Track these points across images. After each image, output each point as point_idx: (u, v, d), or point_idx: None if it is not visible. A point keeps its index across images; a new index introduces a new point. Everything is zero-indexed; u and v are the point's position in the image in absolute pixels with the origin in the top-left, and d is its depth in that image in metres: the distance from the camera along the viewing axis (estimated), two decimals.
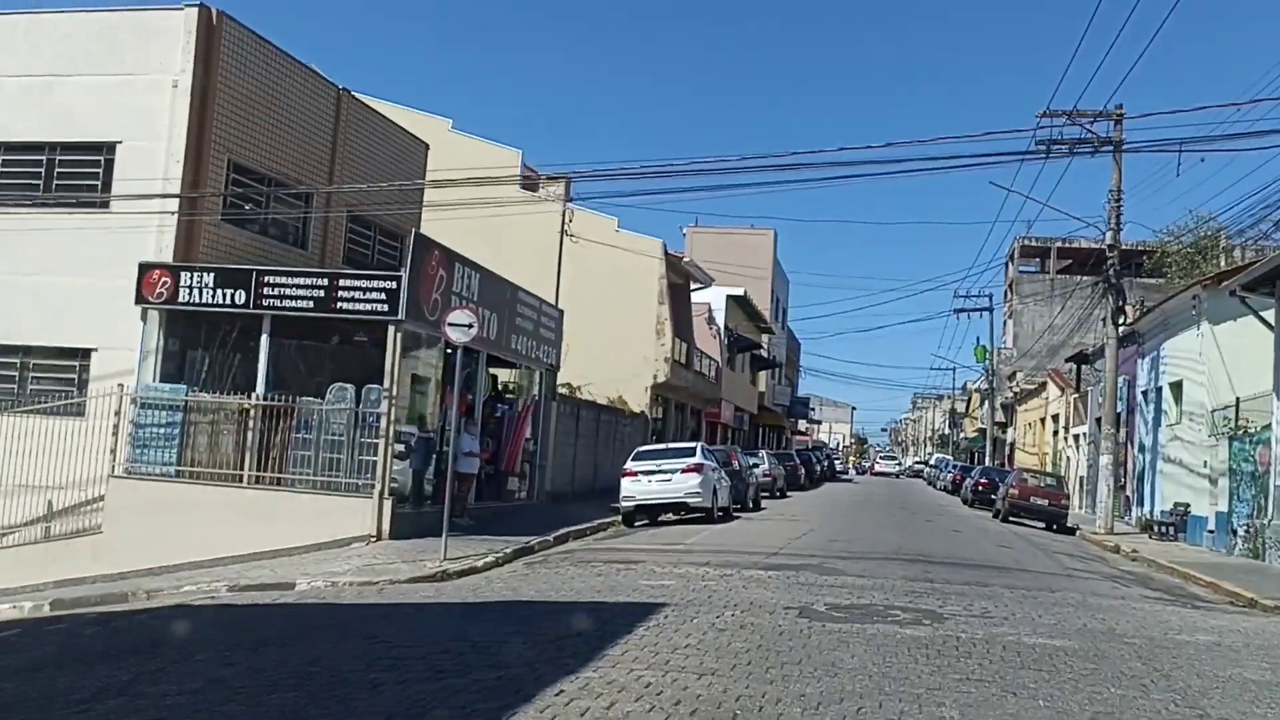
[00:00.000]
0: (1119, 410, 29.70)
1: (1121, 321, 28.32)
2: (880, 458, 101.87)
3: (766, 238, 56.05)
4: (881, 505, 33.45)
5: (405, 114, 31.29)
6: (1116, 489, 28.34)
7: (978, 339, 62.32)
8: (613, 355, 32.18)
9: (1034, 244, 66.12)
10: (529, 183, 34.49)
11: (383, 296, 15.65)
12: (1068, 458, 42.88)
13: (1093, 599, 12.69)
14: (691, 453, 21.58)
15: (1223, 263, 32.63)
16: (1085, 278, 63.02)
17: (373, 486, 15.47)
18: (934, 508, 33.78)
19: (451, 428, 15.81)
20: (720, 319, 41.89)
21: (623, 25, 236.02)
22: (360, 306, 15.71)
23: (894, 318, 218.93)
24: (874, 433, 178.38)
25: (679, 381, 34.19)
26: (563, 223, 27.36)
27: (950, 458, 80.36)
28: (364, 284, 15.78)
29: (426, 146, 23.70)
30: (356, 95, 21.25)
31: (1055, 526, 28.69)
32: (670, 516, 21.77)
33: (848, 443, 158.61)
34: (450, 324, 14.48)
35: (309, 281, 15.84)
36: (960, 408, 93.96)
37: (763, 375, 55.00)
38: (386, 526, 15.41)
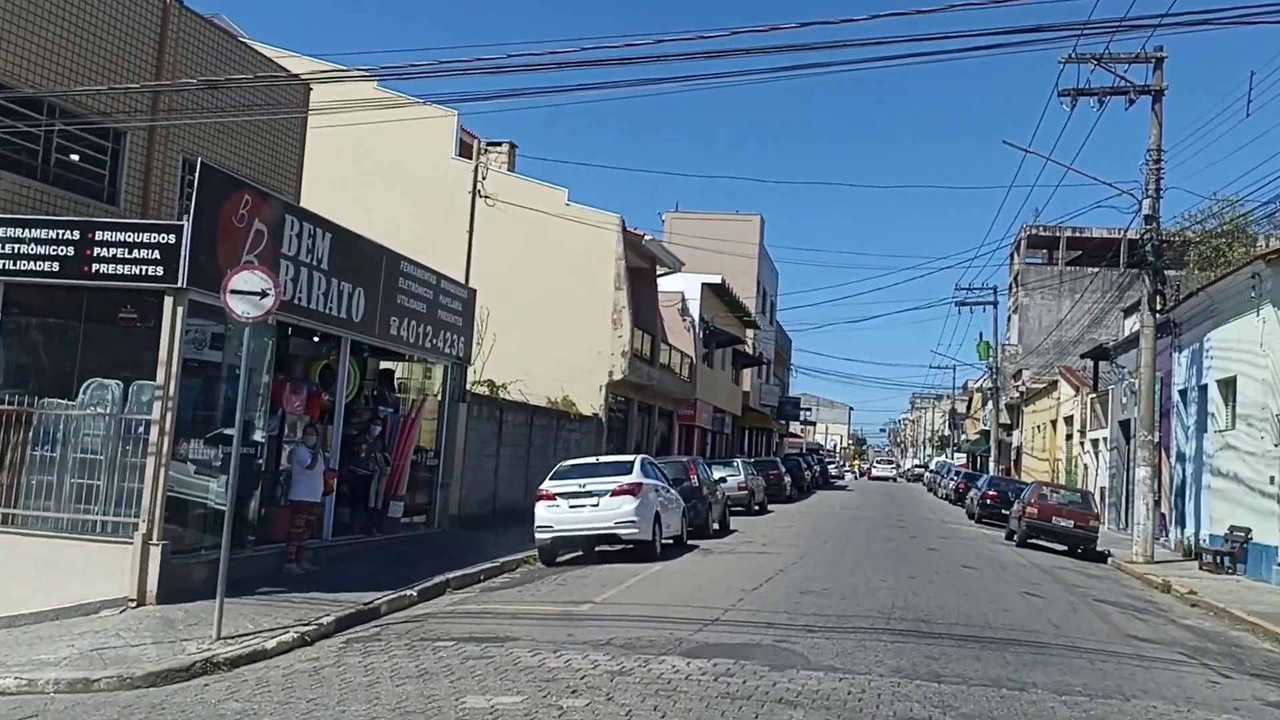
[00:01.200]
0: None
1: (1161, 307, 23.64)
2: (877, 461, 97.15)
3: (752, 223, 51.41)
4: (876, 523, 28.78)
5: (315, 66, 26.67)
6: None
7: (980, 334, 57.83)
8: (560, 349, 27.57)
9: (1041, 233, 61.54)
10: (466, 149, 29.85)
11: (156, 255, 10.97)
12: (1084, 465, 38.24)
13: (1197, 717, 8.05)
14: (626, 468, 16.89)
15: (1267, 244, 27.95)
16: (1096, 269, 58.69)
17: (136, 526, 10.79)
18: (937, 527, 29.09)
19: (231, 433, 11.13)
20: (695, 310, 37.25)
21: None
22: (125, 269, 11.03)
23: (889, 306, 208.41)
24: (872, 433, 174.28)
25: (640, 379, 29.53)
26: (475, 182, 22.59)
27: (951, 462, 75.81)
28: (130, 237, 11.09)
29: (307, 87, 19.01)
30: (197, 12, 16.57)
31: (1081, 550, 24.06)
32: (613, 547, 17.09)
33: (845, 444, 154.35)
34: (232, 290, 9.83)
35: (52, 234, 11.15)
36: (961, 408, 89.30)
37: (747, 373, 50.34)
38: (154, 584, 10.73)
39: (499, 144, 29.55)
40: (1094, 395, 37.57)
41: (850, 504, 39.89)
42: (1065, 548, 24.39)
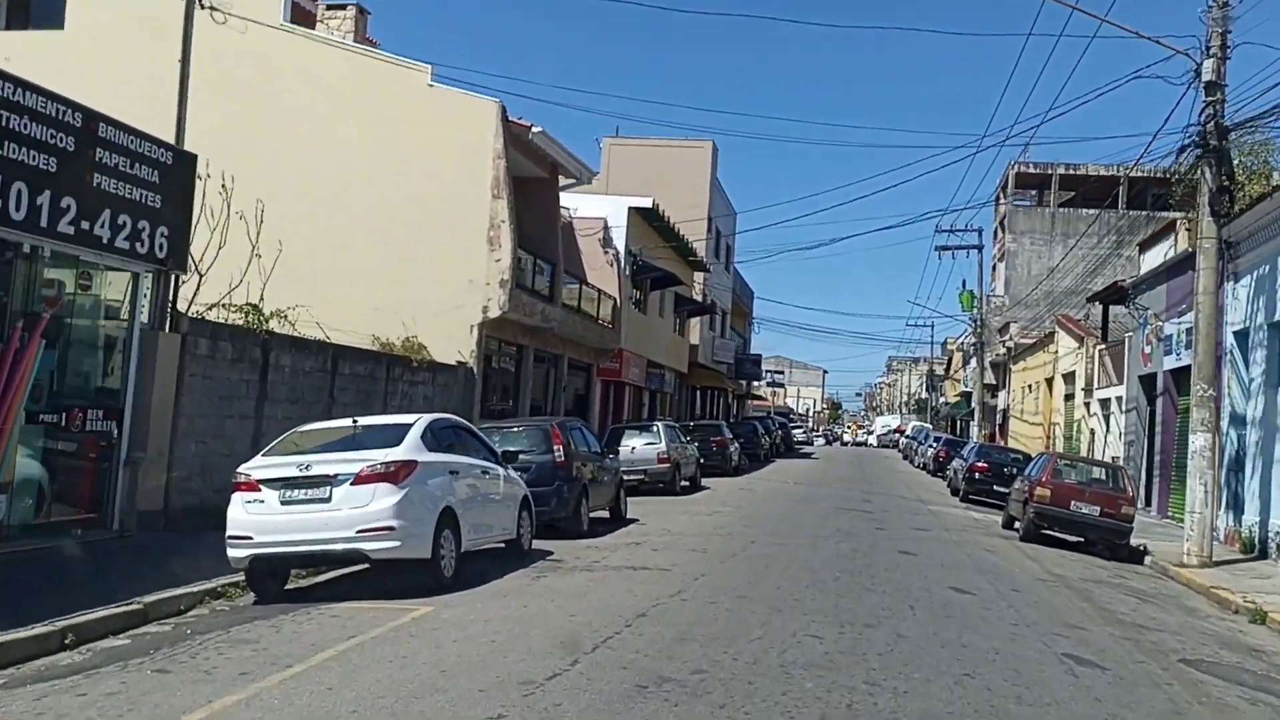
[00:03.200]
0: (1189, 362, 18.52)
1: (1228, 210, 16.95)
2: (847, 426, 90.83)
3: (703, 151, 44.38)
4: (834, 505, 22.21)
5: None
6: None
7: (963, 283, 51.31)
8: (418, 276, 20.79)
9: (1032, 171, 55.05)
10: (305, 15, 22.75)
11: None
12: (1091, 431, 31.85)
13: None
14: (396, 436, 10.06)
15: None
16: (1096, 211, 52.43)
17: None
18: (913, 511, 22.49)
19: None
20: (620, 241, 30.37)
21: None
22: None
23: (860, 228, 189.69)
24: (848, 397, 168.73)
25: (532, 318, 22.71)
26: None
27: (928, 426, 69.77)
28: None
29: None
30: None
31: (1105, 545, 17.63)
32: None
33: (819, 408, 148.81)
34: None
35: None
36: (939, 369, 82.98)
37: (696, 325, 43.53)
38: None
39: (341, 6, 22.47)
40: (1103, 346, 31.13)
41: (810, 476, 33.37)
42: (1079, 538, 17.97)
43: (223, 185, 13.91)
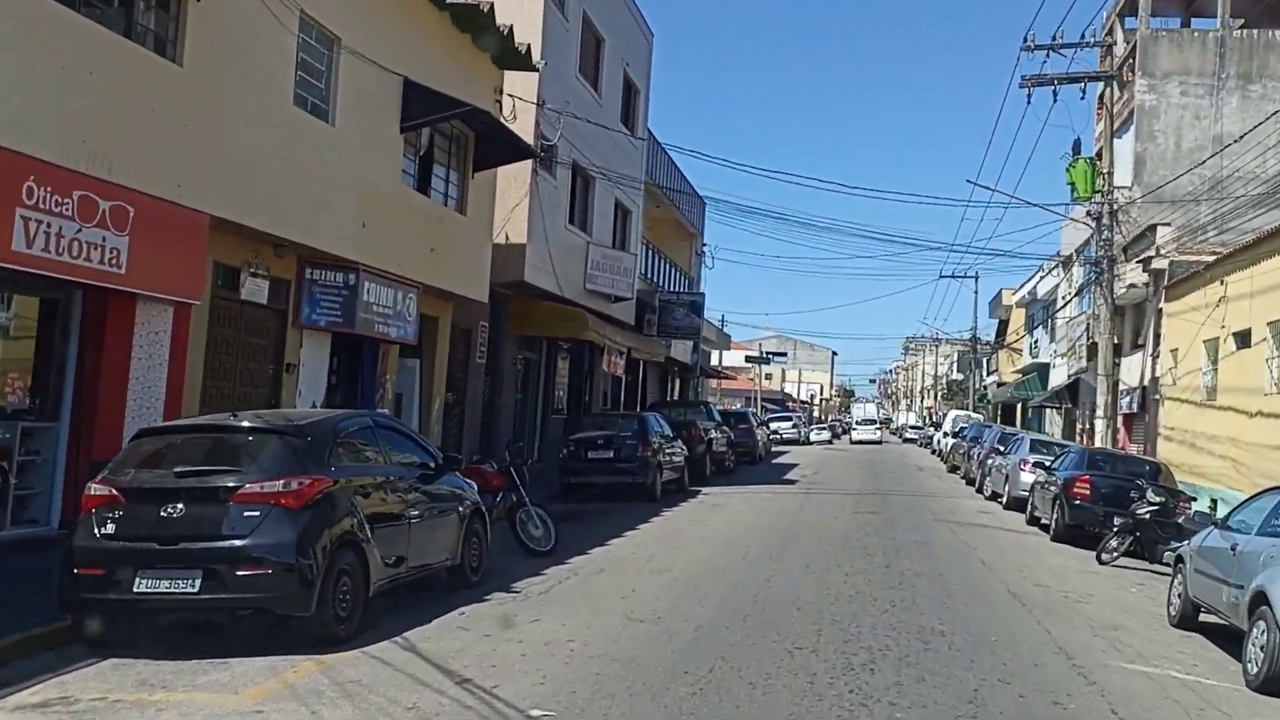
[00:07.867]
0: None
1: None
2: (857, 422, 67.42)
3: None
4: None
5: None
6: None
7: (1075, 144, 27.23)
8: None
9: None
10: None
11: None
12: None
13: None
14: None
15: None
16: None
17: None
18: None
19: None
20: None
21: None
22: None
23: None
24: (861, 384, 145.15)
25: None
26: None
27: (979, 417, 46.42)
28: None
29: None
30: None
31: None
32: None
33: (827, 395, 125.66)
34: None
35: None
36: (981, 338, 59.20)
37: (524, 202, 19.80)
38: None
39: None
40: None
41: (692, 600, 9.85)
42: None
43: None
